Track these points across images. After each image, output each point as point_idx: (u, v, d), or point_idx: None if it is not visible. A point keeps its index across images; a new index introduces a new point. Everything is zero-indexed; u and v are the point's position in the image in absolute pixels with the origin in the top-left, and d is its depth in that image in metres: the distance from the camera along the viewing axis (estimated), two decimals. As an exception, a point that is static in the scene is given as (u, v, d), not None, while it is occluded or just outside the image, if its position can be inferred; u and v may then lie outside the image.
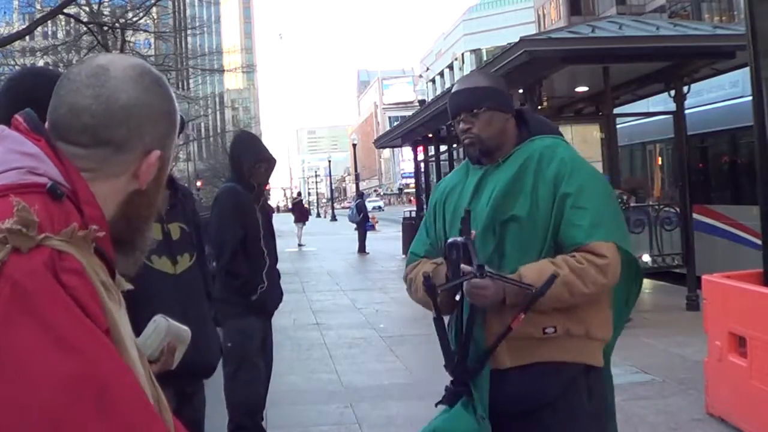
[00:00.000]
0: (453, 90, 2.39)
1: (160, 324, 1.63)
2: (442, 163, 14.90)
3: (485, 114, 2.25)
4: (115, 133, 0.99)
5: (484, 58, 49.20)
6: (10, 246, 0.83)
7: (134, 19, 19.41)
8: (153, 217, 1.12)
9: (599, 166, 9.02)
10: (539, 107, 9.05)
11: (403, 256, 17.75)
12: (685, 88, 8.82)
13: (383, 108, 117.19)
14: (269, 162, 4.16)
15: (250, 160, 4.05)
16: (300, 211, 25.51)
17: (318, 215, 61.09)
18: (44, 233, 0.86)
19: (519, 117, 2.34)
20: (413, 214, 17.82)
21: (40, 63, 20.03)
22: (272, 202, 28.26)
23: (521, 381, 2.13)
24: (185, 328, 1.77)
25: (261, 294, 3.94)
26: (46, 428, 0.78)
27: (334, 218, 46.22)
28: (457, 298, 2.12)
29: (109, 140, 0.99)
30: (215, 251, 4.02)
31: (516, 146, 2.27)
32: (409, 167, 66.64)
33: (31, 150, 0.95)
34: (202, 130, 60.88)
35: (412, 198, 48.35)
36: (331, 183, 73.35)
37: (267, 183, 4.38)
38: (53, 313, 0.81)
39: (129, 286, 1.06)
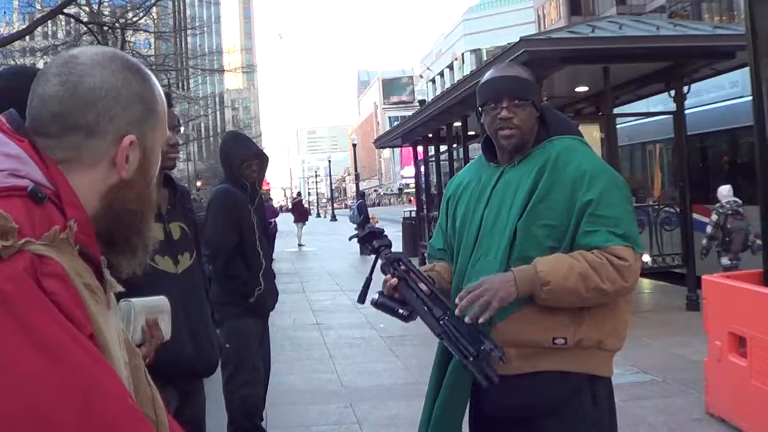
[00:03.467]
0: (491, 75, 2.24)
1: (122, 308, 1.63)
2: (442, 163, 14.88)
3: (529, 107, 2.16)
4: (83, 117, 0.98)
5: (484, 58, 49.26)
6: None
7: (134, 19, 19.39)
8: (147, 213, 1.08)
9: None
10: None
11: (403, 256, 17.70)
12: (685, 88, 8.82)
13: (383, 108, 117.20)
14: (259, 158, 4.12)
15: (238, 159, 4.03)
16: (300, 212, 25.51)
17: (318, 215, 61.10)
18: (25, 238, 0.84)
19: (540, 115, 2.26)
20: (413, 214, 17.81)
21: (40, 63, 20.03)
22: (272, 202, 28.20)
23: (525, 388, 2.09)
24: (158, 297, 1.79)
25: (258, 296, 3.94)
26: None
27: (334, 218, 46.23)
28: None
29: (77, 125, 0.98)
30: (211, 254, 4.01)
31: (534, 146, 2.19)
32: (408, 163, 66.57)
33: (14, 151, 0.94)
34: (202, 130, 60.85)
35: (412, 198, 48.33)
36: (331, 183, 73.35)
37: (262, 181, 4.35)
38: (35, 319, 0.80)
39: (120, 288, 1.05)
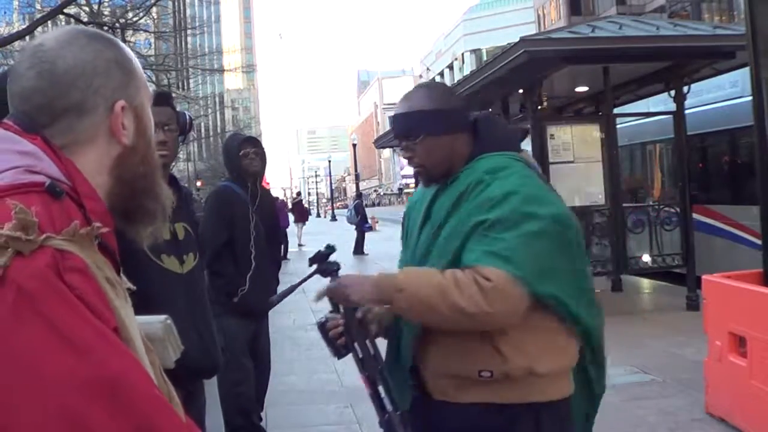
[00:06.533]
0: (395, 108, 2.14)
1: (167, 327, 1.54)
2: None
3: (425, 142, 2.03)
4: (68, 99, 0.98)
5: (484, 58, 49.24)
6: (12, 250, 0.82)
7: (134, 19, 19.43)
8: (156, 173, 1.09)
9: (599, 166, 9.03)
10: (539, 107, 9.06)
11: (403, 256, 17.74)
12: (685, 88, 8.82)
13: (383, 108, 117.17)
14: (254, 144, 4.14)
15: (234, 150, 4.06)
16: (300, 212, 25.51)
17: (318, 215, 61.17)
18: (45, 233, 0.84)
19: (474, 127, 2.08)
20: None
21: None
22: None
23: (462, 416, 1.99)
24: (155, 319, 1.65)
25: (242, 297, 3.92)
26: (63, 430, 0.77)
27: (334, 218, 46.26)
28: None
29: (66, 108, 0.98)
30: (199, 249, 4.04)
31: (466, 165, 2.04)
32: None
33: (28, 148, 0.94)
34: (202, 130, 60.83)
35: (412, 198, 48.16)
36: (331, 183, 73.40)
37: (263, 178, 4.36)
38: (61, 315, 0.80)
39: (132, 287, 1.04)
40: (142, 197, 1.06)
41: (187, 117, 2.74)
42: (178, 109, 2.77)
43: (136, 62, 1.08)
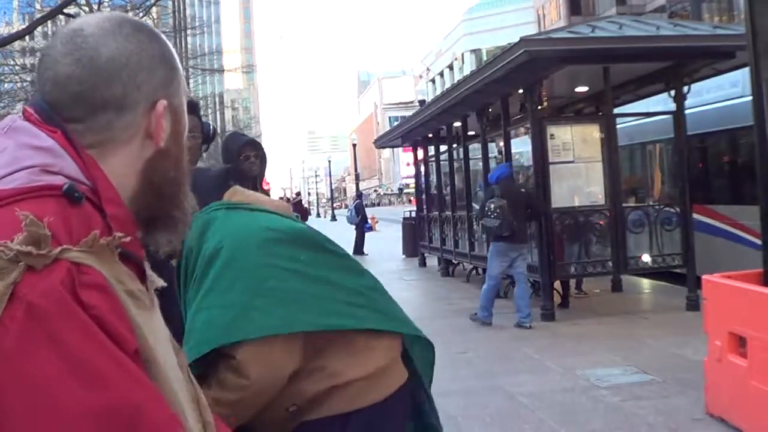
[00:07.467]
0: None
1: None
2: (442, 163, 14.89)
3: None
4: (109, 92, 0.89)
5: (484, 58, 49.22)
6: (24, 264, 0.73)
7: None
8: (185, 181, 1.00)
9: (599, 166, 9.03)
10: (539, 107, 9.06)
11: (403, 256, 17.76)
12: (685, 88, 8.82)
13: (383, 108, 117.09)
14: (254, 147, 4.14)
15: (234, 153, 4.05)
16: (299, 211, 25.51)
17: (318, 215, 61.18)
18: (61, 246, 0.76)
19: None
20: (413, 214, 17.83)
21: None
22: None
23: None
24: None
25: None
26: None
27: (333, 218, 46.31)
28: None
29: (105, 102, 0.89)
30: None
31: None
32: (408, 164, 66.58)
33: (45, 143, 0.85)
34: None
35: (412, 198, 48.42)
36: (330, 183, 73.45)
37: (263, 180, 4.35)
38: (74, 339, 0.73)
39: (162, 283, 0.97)
40: (168, 204, 0.97)
41: (211, 127, 2.77)
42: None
43: (175, 56, 0.99)
